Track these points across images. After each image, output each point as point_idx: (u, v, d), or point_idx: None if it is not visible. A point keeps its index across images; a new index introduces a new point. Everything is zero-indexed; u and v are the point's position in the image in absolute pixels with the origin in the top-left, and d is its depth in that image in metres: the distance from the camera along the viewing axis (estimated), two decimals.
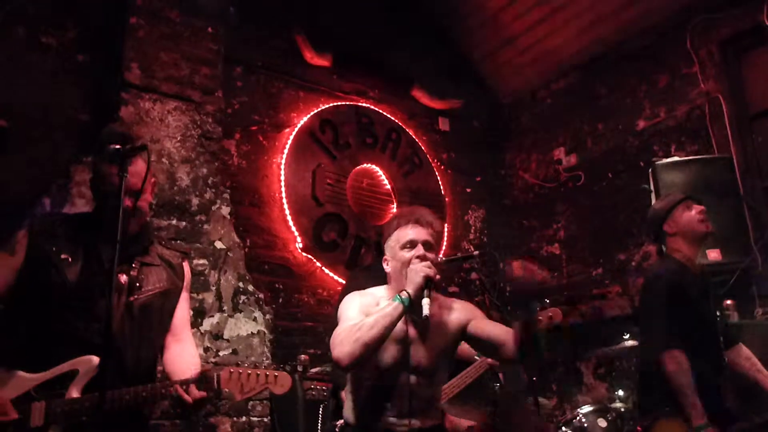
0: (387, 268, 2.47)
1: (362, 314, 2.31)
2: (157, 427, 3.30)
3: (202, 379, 2.01)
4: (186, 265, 2.37)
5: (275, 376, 2.08)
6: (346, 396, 2.50)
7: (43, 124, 3.67)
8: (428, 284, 2.22)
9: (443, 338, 2.41)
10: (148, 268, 2.21)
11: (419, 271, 2.25)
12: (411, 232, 2.40)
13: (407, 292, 2.22)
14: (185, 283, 2.34)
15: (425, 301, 2.21)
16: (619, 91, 5.34)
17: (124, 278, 2.11)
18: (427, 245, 2.37)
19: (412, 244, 2.37)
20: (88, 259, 2.09)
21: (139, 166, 2.05)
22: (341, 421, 2.67)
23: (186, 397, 1.96)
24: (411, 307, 2.22)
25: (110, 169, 2.03)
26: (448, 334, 2.42)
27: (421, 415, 2.35)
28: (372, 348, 2.17)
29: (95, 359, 1.94)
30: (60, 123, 3.74)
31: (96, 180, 2.13)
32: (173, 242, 3.50)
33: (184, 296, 2.33)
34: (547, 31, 5.51)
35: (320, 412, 3.37)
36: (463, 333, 2.43)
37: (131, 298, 2.10)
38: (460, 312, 2.47)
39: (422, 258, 2.31)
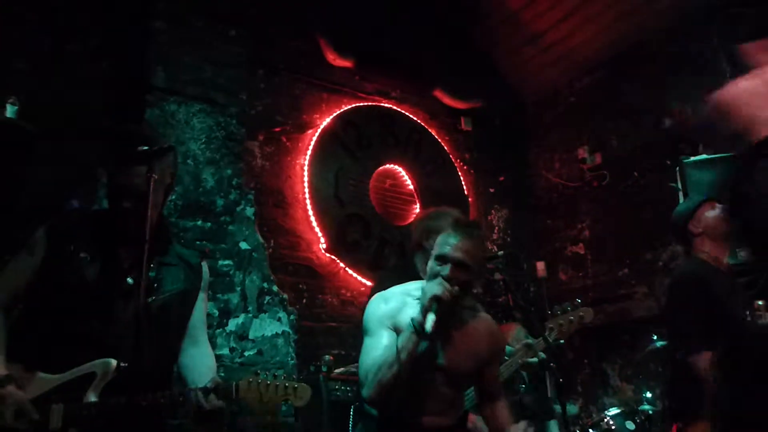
0: (429, 250, 2.42)
1: (384, 329, 2.30)
2: (181, 426, 3.33)
3: (221, 389, 1.97)
4: (204, 266, 2.31)
5: (295, 388, 2.02)
6: None
7: (70, 128, 3.72)
8: (437, 305, 2.17)
9: (476, 350, 2.37)
10: (166, 268, 2.16)
11: (428, 291, 2.20)
12: (449, 248, 2.27)
13: (417, 318, 2.19)
14: (203, 284, 2.28)
15: (430, 317, 2.15)
16: (644, 89, 5.27)
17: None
18: (459, 265, 2.24)
19: (443, 260, 2.27)
20: (106, 259, 2.05)
21: (143, 167, 1.93)
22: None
23: (204, 404, 1.93)
24: (423, 332, 2.16)
25: (126, 169, 1.99)
26: (480, 350, 2.39)
27: (440, 415, 2.33)
28: (397, 384, 2.17)
29: (113, 362, 1.91)
30: (86, 127, 3.79)
31: (112, 180, 2.07)
32: (195, 243, 3.53)
33: (202, 297, 2.27)
34: (569, 28, 5.46)
35: (351, 413, 3.35)
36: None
37: (149, 299, 2.05)
38: (496, 341, 2.47)
39: (447, 279, 2.21)
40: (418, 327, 2.16)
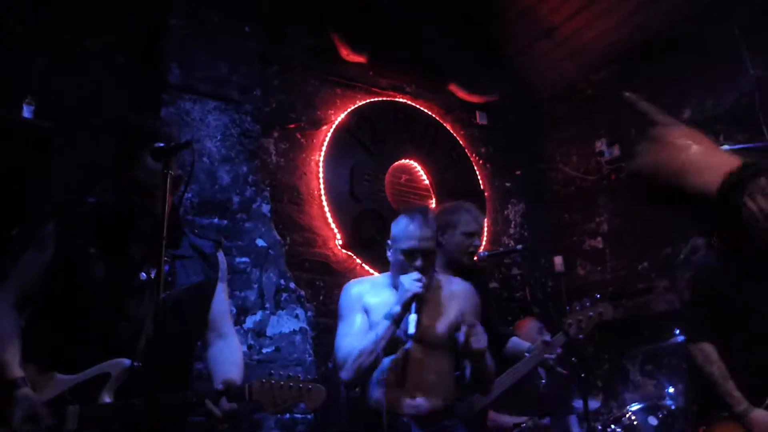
0: (389, 255, 2.57)
1: (355, 312, 2.51)
2: (200, 424, 3.32)
3: (234, 391, 1.92)
4: (220, 255, 2.24)
5: (309, 389, 1.97)
6: None
7: (88, 126, 3.73)
8: (415, 301, 2.36)
9: (446, 312, 2.53)
10: (180, 261, 2.09)
11: (408, 288, 2.36)
12: (415, 241, 2.44)
13: (395, 309, 2.37)
14: (221, 273, 2.21)
15: (412, 318, 2.34)
16: (662, 80, 5.19)
17: (155, 273, 1.99)
18: (426, 254, 2.45)
19: (412, 254, 2.44)
20: (116, 254, 2.00)
21: (150, 161, 1.88)
22: None
23: (215, 411, 1.88)
24: (400, 322, 2.37)
25: (131, 162, 1.93)
26: (450, 312, 2.54)
27: (429, 392, 2.40)
28: (372, 368, 2.39)
29: (126, 362, 1.88)
30: (102, 124, 3.80)
31: (116, 174, 1.99)
32: (206, 231, 3.50)
33: (221, 287, 2.20)
34: (585, 21, 5.38)
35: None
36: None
37: (163, 295, 1.93)
38: (470, 298, 2.63)
39: (421, 270, 2.41)
40: (396, 319, 2.35)
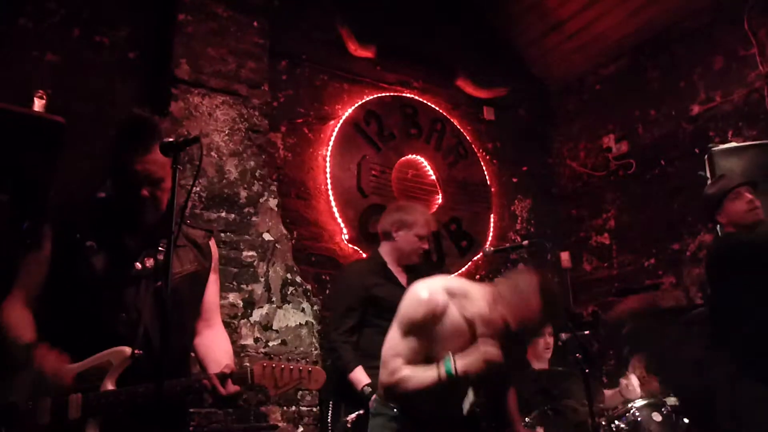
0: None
1: (415, 336, 2.30)
2: (208, 416, 3.37)
3: (237, 375, 1.97)
4: (212, 244, 2.28)
5: (309, 371, 2.03)
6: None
7: (98, 121, 3.76)
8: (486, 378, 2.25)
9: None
10: (174, 249, 2.07)
11: (490, 360, 2.21)
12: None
13: (457, 369, 2.22)
14: (213, 263, 2.25)
15: (469, 396, 2.25)
16: (672, 75, 5.17)
17: (150, 262, 2.04)
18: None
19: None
20: (113, 246, 2.04)
21: (158, 154, 1.92)
22: (353, 416, 2.85)
23: (221, 389, 1.93)
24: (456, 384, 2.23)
25: (133, 156, 1.98)
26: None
27: (456, 406, 2.37)
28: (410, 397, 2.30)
29: (128, 350, 1.92)
30: (113, 119, 3.83)
31: (117, 168, 2.03)
32: (219, 234, 3.56)
33: (213, 278, 2.25)
34: (595, 14, 5.36)
35: (329, 409, 3.32)
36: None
37: (159, 284, 1.99)
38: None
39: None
40: (452, 377, 2.21)
